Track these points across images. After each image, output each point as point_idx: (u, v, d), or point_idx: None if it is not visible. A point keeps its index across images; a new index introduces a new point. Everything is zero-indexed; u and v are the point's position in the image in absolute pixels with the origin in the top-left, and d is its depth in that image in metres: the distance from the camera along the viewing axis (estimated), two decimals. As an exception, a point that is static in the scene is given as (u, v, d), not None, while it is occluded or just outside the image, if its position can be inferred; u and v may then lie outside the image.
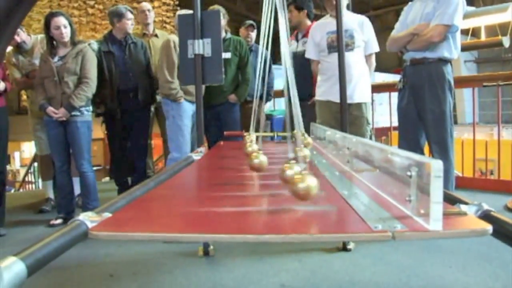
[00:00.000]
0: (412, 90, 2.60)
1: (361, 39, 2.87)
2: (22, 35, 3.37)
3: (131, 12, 3.54)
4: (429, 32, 2.47)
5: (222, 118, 3.57)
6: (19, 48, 3.41)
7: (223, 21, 3.46)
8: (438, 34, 2.45)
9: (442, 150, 2.52)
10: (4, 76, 3.05)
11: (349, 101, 2.82)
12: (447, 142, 2.53)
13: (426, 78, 2.53)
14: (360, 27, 2.89)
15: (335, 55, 2.44)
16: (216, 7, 3.41)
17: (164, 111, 3.38)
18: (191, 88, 3.19)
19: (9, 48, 3.36)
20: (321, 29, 2.99)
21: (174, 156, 3.25)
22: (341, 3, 2.89)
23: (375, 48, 2.94)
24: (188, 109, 3.30)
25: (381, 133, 5.81)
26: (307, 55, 3.12)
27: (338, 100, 2.38)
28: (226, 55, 3.47)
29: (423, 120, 2.58)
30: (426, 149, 2.79)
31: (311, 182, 0.75)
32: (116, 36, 3.51)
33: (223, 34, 3.44)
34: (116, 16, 3.48)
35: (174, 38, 3.24)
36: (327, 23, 2.91)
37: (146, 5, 3.93)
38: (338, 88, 2.33)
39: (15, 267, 0.57)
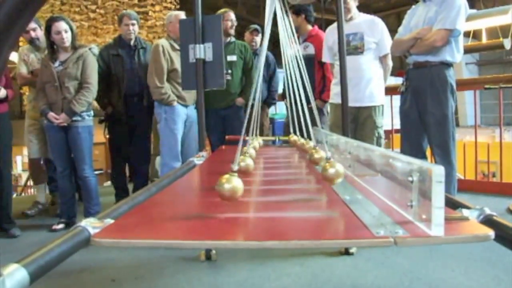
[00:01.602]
0: (415, 93, 2.60)
1: (372, 41, 2.88)
2: (38, 32, 3.35)
3: (130, 18, 3.46)
4: (432, 36, 2.47)
5: (227, 122, 3.55)
6: (32, 44, 3.39)
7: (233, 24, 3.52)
8: (440, 38, 2.45)
9: (444, 153, 2.51)
10: (7, 84, 3.04)
11: (359, 104, 2.84)
12: (449, 145, 2.52)
13: (429, 82, 2.53)
14: (370, 29, 2.90)
15: (346, 58, 2.45)
16: (224, 10, 3.46)
17: (156, 114, 3.36)
18: (183, 92, 3.19)
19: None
20: (334, 33, 3.00)
21: (166, 161, 3.22)
22: (350, 6, 2.92)
23: (390, 48, 2.92)
24: (182, 112, 3.29)
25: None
26: (323, 59, 3.15)
27: (348, 103, 2.38)
28: (232, 57, 3.51)
29: (425, 123, 2.58)
30: (428, 152, 2.79)
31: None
32: (125, 40, 3.52)
33: (228, 38, 3.46)
34: (118, 21, 3.57)
35: (163, 42, 3.24)
36: None
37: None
38: (349, 91, 2.35)
39: (17, 274, 0.57)
